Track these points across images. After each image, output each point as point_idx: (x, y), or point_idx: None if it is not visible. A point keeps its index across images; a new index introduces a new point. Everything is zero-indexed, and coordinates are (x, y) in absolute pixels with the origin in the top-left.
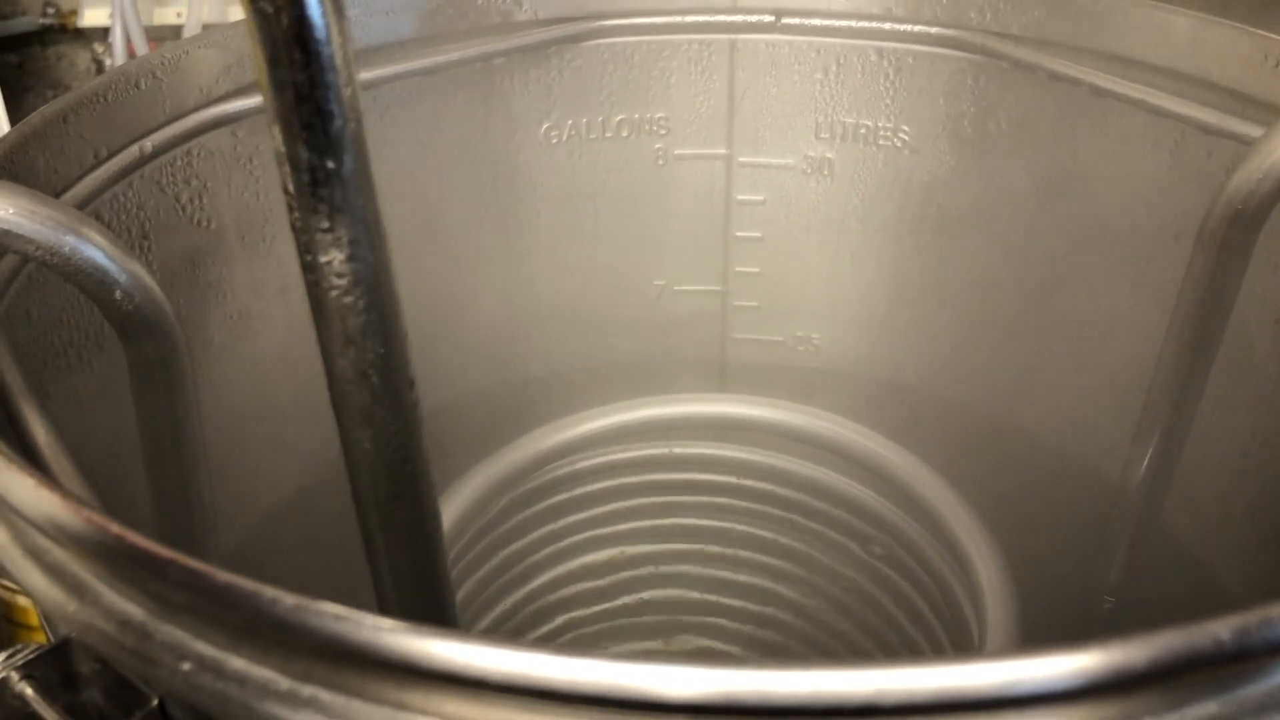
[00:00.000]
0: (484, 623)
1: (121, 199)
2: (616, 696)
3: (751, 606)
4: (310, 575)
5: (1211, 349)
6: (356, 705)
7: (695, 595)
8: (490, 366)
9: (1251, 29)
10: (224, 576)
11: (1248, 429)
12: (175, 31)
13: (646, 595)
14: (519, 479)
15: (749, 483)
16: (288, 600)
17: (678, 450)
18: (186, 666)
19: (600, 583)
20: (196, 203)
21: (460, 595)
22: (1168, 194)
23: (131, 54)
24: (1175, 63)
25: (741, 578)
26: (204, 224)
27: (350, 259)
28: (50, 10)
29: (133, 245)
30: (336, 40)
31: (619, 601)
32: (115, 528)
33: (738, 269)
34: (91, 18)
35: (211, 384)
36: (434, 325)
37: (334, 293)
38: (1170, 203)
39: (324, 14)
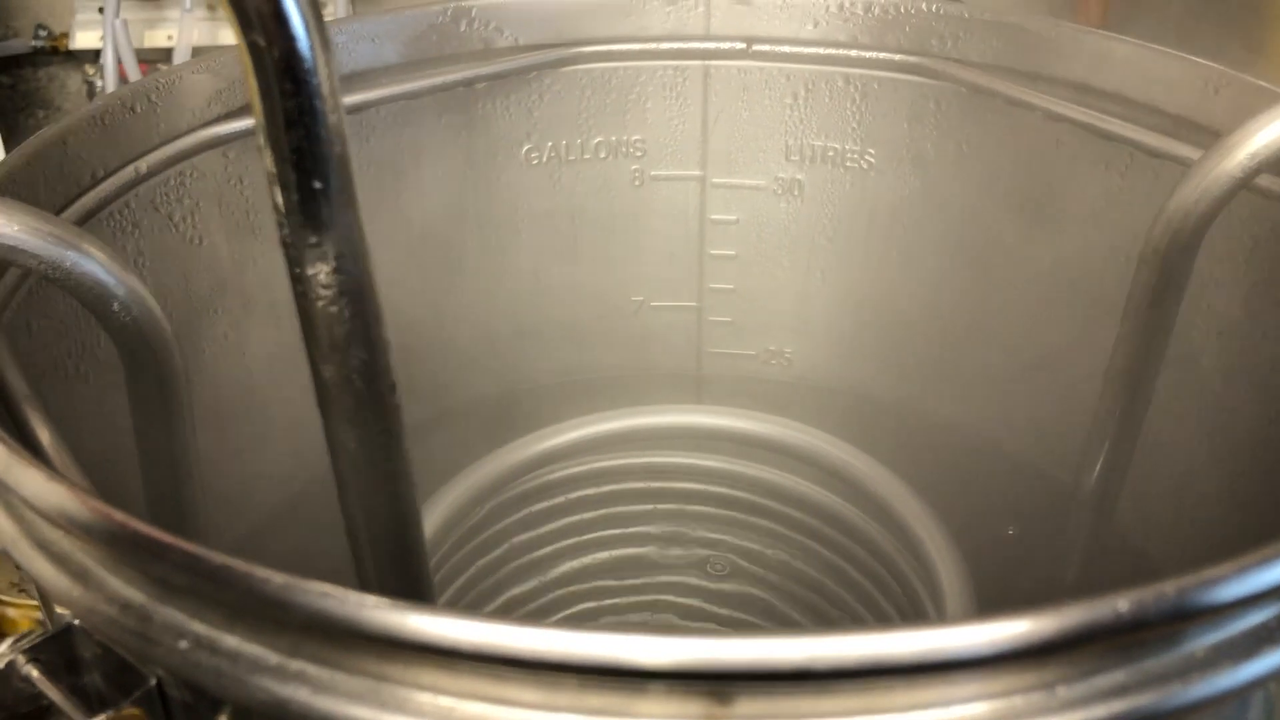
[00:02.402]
0: None
1: (118, 218)
2: (581, 663)
3: (724, 611)
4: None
5: (1157, 361)
6: (341, 678)
7: (670, 599)
8: (472, 381)
9: (1195, 58)
10: (220, 558)
11: (1195, 437)
12: (166, 54)
13: (623, 600)
14: (499, 487)
15: (723, 491)
16: (277, 579)
17: (654, 459)
18: (184, 645)
19: (578, 588)
20: (189, 221)
21: (442, 601)
22: (1119, 215)
23: (123, 76)
24: (1123, 89)
25: (715, 583)
26: (196, 241)
27: (336, 271)
28: (42, 33)
29: (128, 262)
30: (324, 70)
31: (596, 605)
32: (120, 515)
33: (712, 285)
34: (83, 40)
35: (203, 397)
36: (417, 340)
37: (320, 303)
38: (1122, 223)
39: (312, 46)
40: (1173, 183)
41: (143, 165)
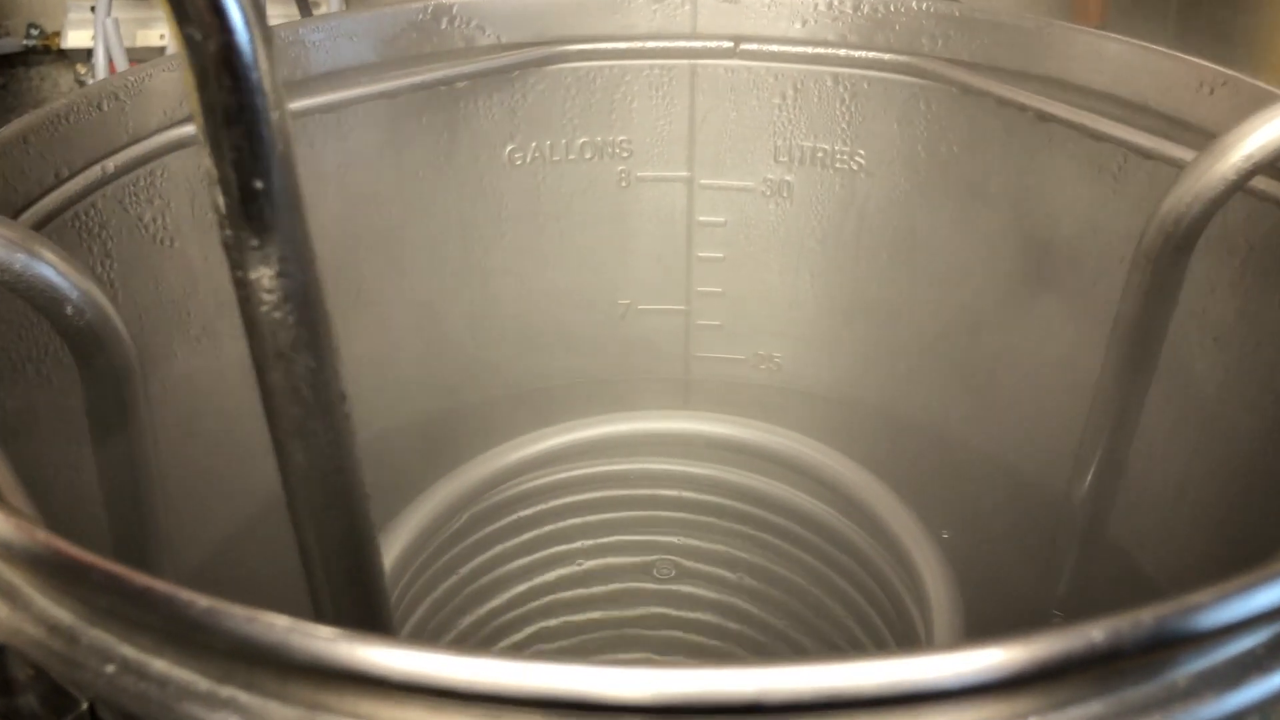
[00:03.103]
0: (446, 639)
1: (83, 218)
2: (501, 693)
3: (711, 619)
4: (274, 592)
5: (1149, 367)
6: (273, 706)
7: (655, 610)
8: (454, 385)
9: (1187, 57)
10: (142, 580)
11: (1189, 445)
12: (158, 53)
13: (608, 611)
14: (480, 494)
15: (710, 498)
16: (201, 603)
17: (639, 466)
18: (110, 669)
19: (562, 596)
20: (159, 222)
21: (420, 611)
22: (1112, 217)
23: (114, 74)
24: (1115, 89)
25: (701, 591)
26: (167, 243)
27: (280, 275)
28: (34, 31)
29: (94, 264)
30: (264, 65)
31: (580, 616)
32: (41, 534)
33: (700, 289)
34: (75, 39)
35: (174, 401)
36: (397, 344)
37: (264, 308)
38: (1114, 226)
39: (251, 40)
40: (1166, 185)
41: (110, 165)
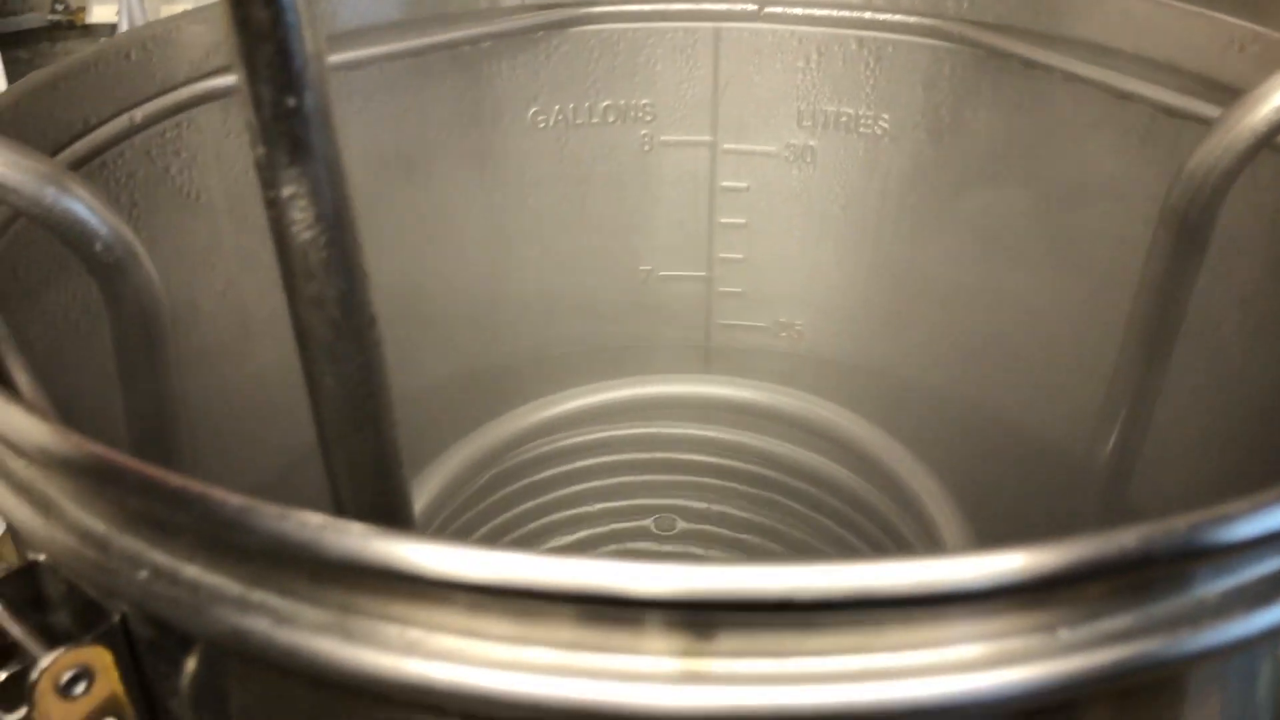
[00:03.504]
0: None
1: (111, 167)
2: (552, 590)
3: None
4: None
5: (1174, 329)
6: (305, 609)
7: None
8: (476, 349)
9: (1215, 14)
10: (176, 480)
11: (1214, 409)
12: None
13: None
14: (500, 455)
15: (730, 463)
16: (234, 501)
17: (659, 430)
18: (143, 575)
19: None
20: (186, 175)
21: None
22: (1137, 178)
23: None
24: (1142, 48)
25: (721, 556)
26: (193, 195)
27: (311, 194)
28: (59, 7)
29: (121, 214)
30: None
31: None
32: (76, 437)
33: (722, 255)
34: (100, 14)
35: (198, 355)
36: (420, 306)
37: (295, 228)
38: (1140, 187)
39: None
40: (1193, 145)
41: (138, 115)
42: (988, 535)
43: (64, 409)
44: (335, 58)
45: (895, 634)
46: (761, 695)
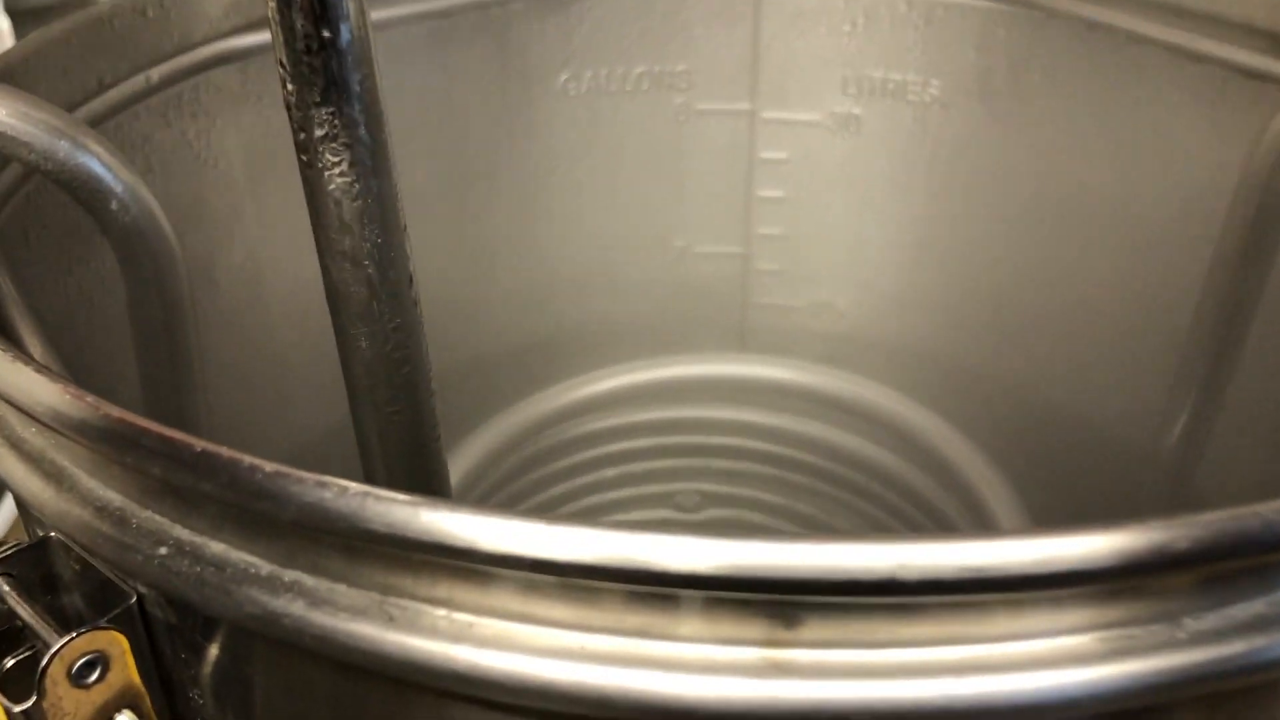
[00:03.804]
0: None
1: (126, 129)
2: (619, 568)
3: None
4: None
5: (1250, 308)
6: (341, 590)
7: None
8: (499, 330)
9: None
10: (201, 444)
11: None
12: None
13: None
14: (526, 440)
15: (768, 447)
16: (266, 467)
17: (692, 413)
18: (164, 551)
19: None
20: (204, 140)
21: None
22: (1208, 146)
23: None
24: (1215, 7)
25: None
26: (211, 162)
27: (346, 137)
28: None
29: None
30: None
31: None
32: (91, 399)
33: (760, 231)
34: None
35: (216, 329)
36: (447, 283)
37: (328, 173)
38: (1210, 155)
39: None
40: (1270, 109)
41: (154, 75)
42: (1048, 524)
43: (76, 382)
44: None
45: (1002, 621)
46: (852, 689)
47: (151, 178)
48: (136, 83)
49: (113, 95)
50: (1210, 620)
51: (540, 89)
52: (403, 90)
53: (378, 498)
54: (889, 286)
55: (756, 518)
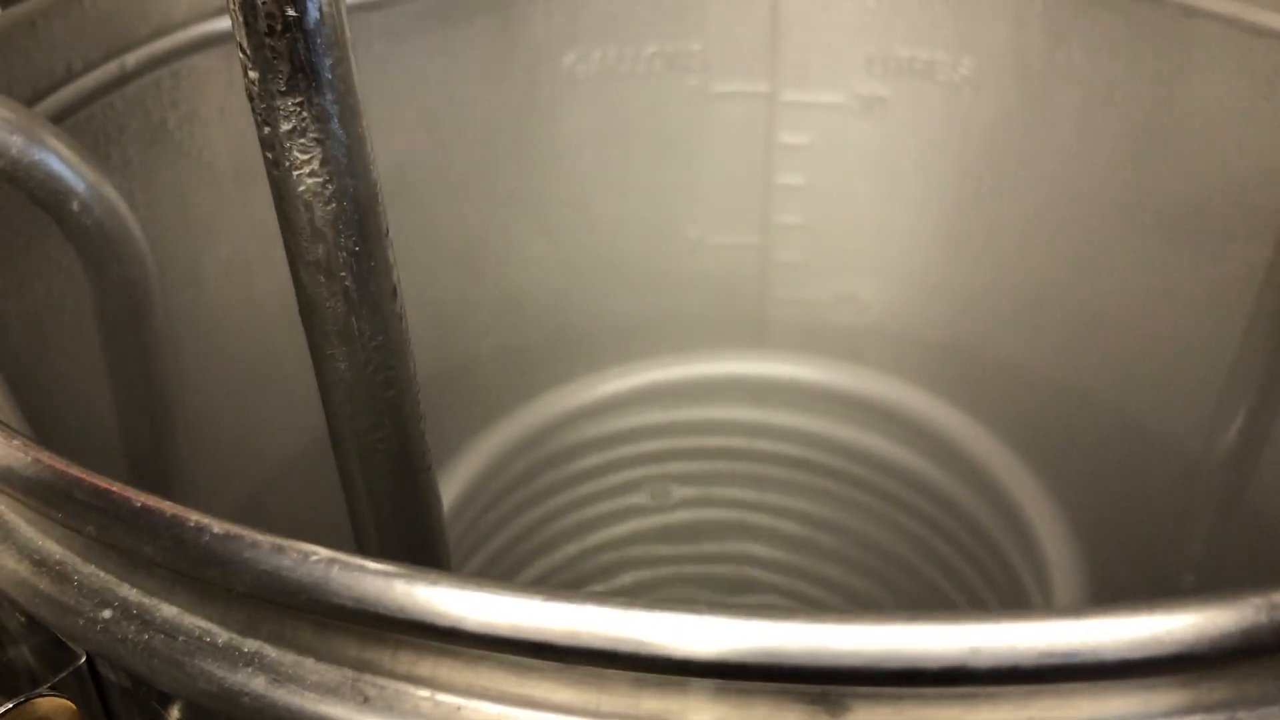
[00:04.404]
0: None
1: (99, 119)
2: (631, 654)
3: (792, 584)
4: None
5: None
6: (309, 664)
7: (728, 571)
8: (507, 326)
9: None
10: (142, 498)
11: None
12: None
13: (673, 571)
14: (536, 442)
15: (788, 449)
16: (215, 528)
17: (708, 413)
18: (108, 615)
19: (621, 556)
20: (186, 129)
21: (473, 566)
22: (1265, 129)
23: None
24: None
25: (778, 553)
26: (194, 153)
27: (317, 131)
28: None
29: (112, 171)
30: None
31: (642, 575)
32: (18, 441)
33: (779, 220)
34: None
35: (201, 329)
36: (449, 277)
37: (296, 173)
38: (1265, 138)
39: None
40: None
41: (130, 60)
42: (1085, 535)
43: (46, 395)
44: None
45: (1086, 705)
46: None
47: (129, 171)
48: (110, 69)
49: (84, 83)
50: None
51: (545, 71)
52: (399, 73)
53: (345, 565)
54: (916, 278)
55: (781, 524)
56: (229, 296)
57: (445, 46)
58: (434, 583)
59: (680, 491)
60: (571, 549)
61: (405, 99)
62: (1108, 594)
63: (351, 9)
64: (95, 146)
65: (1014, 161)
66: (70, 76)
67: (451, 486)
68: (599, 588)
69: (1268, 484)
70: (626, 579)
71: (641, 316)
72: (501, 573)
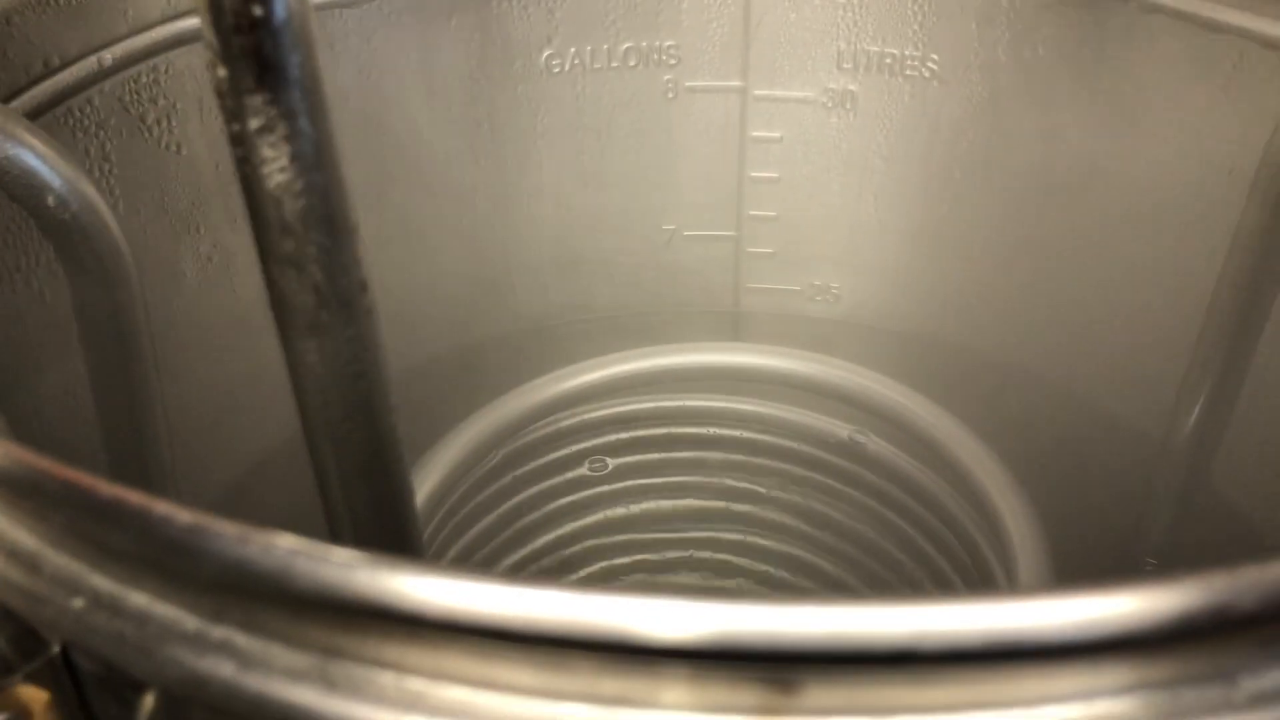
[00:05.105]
0: None
1: (77, 115)
2: (592, 639)
3: (764, 569)
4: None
5: (1269, 294)
6: (277, 651)
7: (704, 555)
8: (484, 318)
9: None
10: (110, 490)
11: None
12: None
13: (649, 557)
14: (512, 433)
15: (761, 438)
16: (182, 518)
17: (683, 403)
18: (79, 604)
19: (598, 544)
20: (165, 125)
21: (450, 556)
22: (1223, 123)
23: None
24: None
25: (753, 539)
26: (173, 148)
27: (285, 128)
28: None
29: (91, 167)
30: None
31: (617, 562)
32: None
33: (752, 212)
34: None
35: (183, 324)
36: (427, 270)
37: (265, 169)
38: (1225, 132)
39: None
40: None
41: (108, 56)
42: (1051, 519)
43: (26, 389)
44: None
45: (1033, 684)
46: None
47: (108, 167)
48: (88, 65)
49: (63, 78)
50: (1272, 678)
51: (523, 66)
52: (374, 68)
53: (308, 556)
54: (887, 269)
55: (755, 510)
56: (211, 289)
57: (421, 42)
58: (395, 570)
59: (656, 480)
60: (548, 538)
61: (383, 95)
62: (1069, 577)
63: (330, 6)
64: (73, 142)
65: (981, 155)
66: (48, 72)
67: (429, 478)
68: (577, 576)
69: (1228, 469)
70: (603, 566)
71: (618, 308)
72: (479, 563)
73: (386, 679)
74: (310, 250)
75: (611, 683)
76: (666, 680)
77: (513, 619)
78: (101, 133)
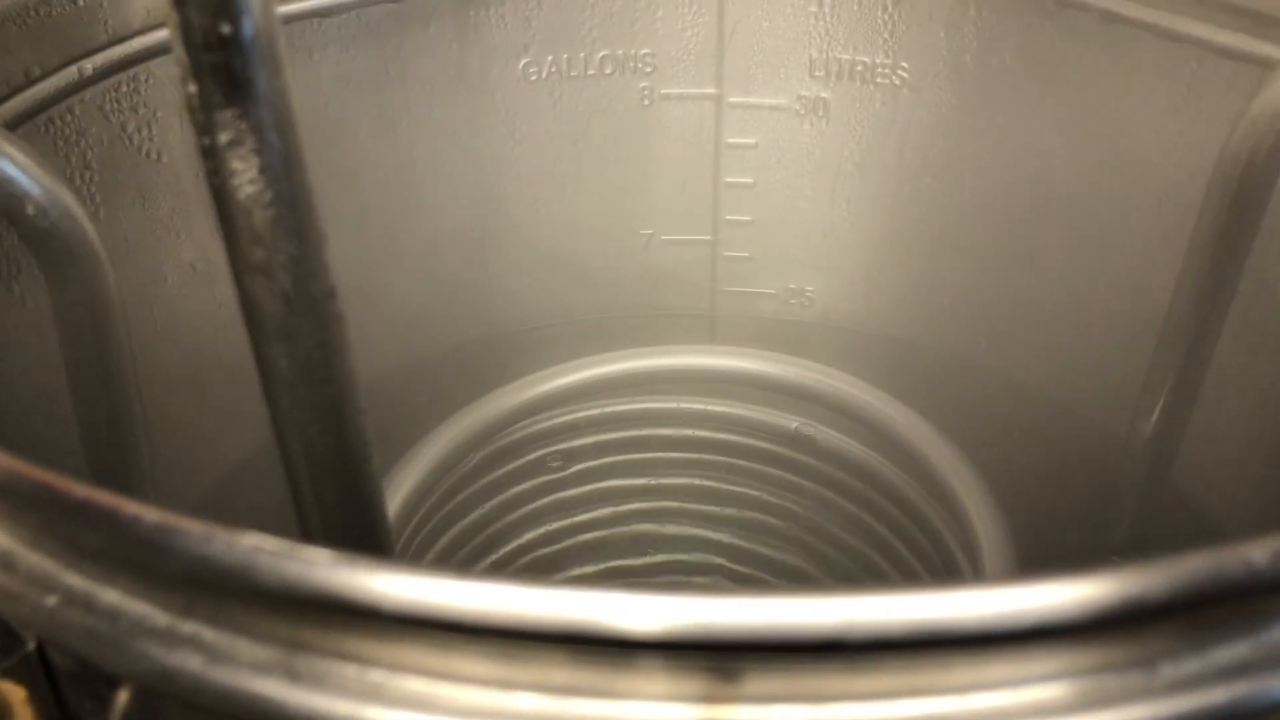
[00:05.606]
0: None
1: (58, 124)
2: (545, 632)
3: (739, 569)
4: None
5: (1227, 294)
6: (243, 645)
7: (678, 557)
8: (464, 321)
9: None
10: (81, 491)
11: (1267, 378)
12: None
13: (626, 562)
14: (489, 436)
15: (737, 439)
16: (150, 518)
17: (659, 405)
18: (53, 601)
19: (573, 544)
20: (146, 134)
21: (428, 557)
22: (1183, 128)
23: None
24: None
25: (729, 539)
26: (155, 157)
27: (254, 142)
28: None
29: (72, 175)
30: None
31: (593, 568)
32: None
33: (728, 217)
34: None
35: (166, 332)
36: (403, 275)
37: (235, 181)
38: (1186, 137)
39: None
40: (1248, 90)
41: (88, 66)
42: (1020, 518)
43: (7, 391)
44: (306, 3)
45: (964, 672)
46: None
47: (89, 176)
48: (68, 75)
49: (43, 88)
50: (1191, 666)
51: (500, 74)
52: (353, 77)
53: (270, 552)
54: (859, 273)
55: (730, 512)
56: (191, 294)
57: (400, 51)
58: (353, 565)
59: (633, 481)
60: (526, 539)
61: (362, 104)
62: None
63: (309, 15)
64: (54, 151)
65: (951, 160)
66: (29, 82)
67: (407, 480)
68: (557, 576)
69: (1188, 465)
70: (580, 568)
71: (595, 312)
72: (456, 565)
73: (349, 671)
74: (279, 259)
75: (560, 674)
76: (615, 671)
77: (465, 612)
78: (83, 141)
